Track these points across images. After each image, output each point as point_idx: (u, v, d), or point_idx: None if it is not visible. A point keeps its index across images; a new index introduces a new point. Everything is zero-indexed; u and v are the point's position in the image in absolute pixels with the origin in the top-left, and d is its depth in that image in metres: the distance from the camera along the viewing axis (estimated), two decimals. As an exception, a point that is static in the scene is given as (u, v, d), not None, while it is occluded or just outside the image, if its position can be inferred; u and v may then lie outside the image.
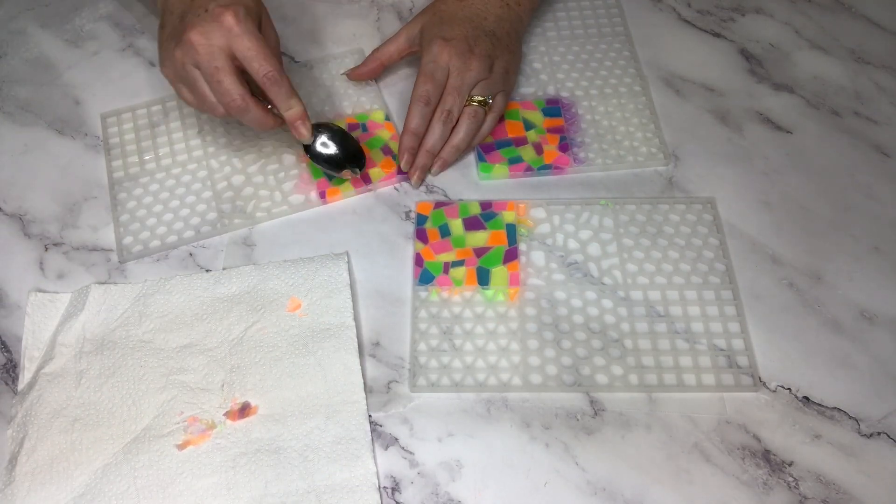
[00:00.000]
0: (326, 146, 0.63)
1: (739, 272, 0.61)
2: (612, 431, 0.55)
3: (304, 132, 0.61)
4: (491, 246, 0.62)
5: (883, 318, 0.59)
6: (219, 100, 0.58)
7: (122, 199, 0.66)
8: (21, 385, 0.57)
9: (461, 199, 0.65)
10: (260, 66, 0.57)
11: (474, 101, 0.64)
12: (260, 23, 0.59)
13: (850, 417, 0.55)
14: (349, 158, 0.64)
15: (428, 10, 0.69)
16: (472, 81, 0.64)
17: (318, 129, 0.63)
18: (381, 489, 0.53)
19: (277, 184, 0.66)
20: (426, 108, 0.64)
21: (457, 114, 0.64)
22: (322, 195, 0.65)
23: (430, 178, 0.67)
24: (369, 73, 0.71)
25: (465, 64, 0.64)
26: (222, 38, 0.56)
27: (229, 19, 0.56)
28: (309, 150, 0.63)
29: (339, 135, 0.64)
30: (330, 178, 0.66)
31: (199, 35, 0.56)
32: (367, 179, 0.66)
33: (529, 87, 0.72)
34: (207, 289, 0.60)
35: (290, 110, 0.59)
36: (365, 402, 0.55)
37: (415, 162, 0.65)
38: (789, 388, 0.56)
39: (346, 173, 0.65)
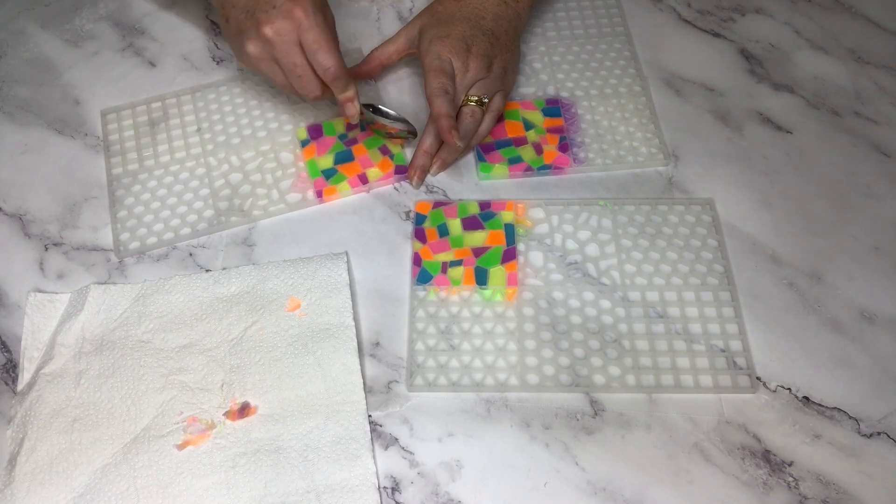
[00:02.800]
0: (387, 112, 0.68)
1: (739, 272, 0.61)
2: (612, 431, 0.55)
3: (353, 112, 0.64)
4: (489, 246, 0.62)
5: (883, 318, 0.59)
6: (299, 90, 0.62)
7: (121, 196, 0.66)
8: (20, 385, 0.57)
9: (460, 199, 0.65)
10: (323, 60, 0.60)
11: (471, 101, 0.64)
12: (324, 12, 0.61)
13: (850, 417, 0.55)
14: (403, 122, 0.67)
15: (426, 11, 0.69)
16: (470, 81, 0.64)
17: (366, 106, 0.67)
18: (381, 489, 0.53)
19: (275, 182, 0.66)
20: (447, 97, 0.63)
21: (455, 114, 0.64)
22: (319, 194, 0.65)
23: (429, 178, 0.67)
24: (368, 72, 0.71)
25: (463, 64, 0.64)
26: (293, 32, 0.59)
27: (299, 13, 0.59)
28: (373, 108, 0.67)
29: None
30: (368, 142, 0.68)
31: (272, 31, 0.59)
32: (364, 179, 0.66)
33: (529, 87, 0.71)
34: (207, 289, 0.60)
35: (344, 93, 0.63)
36: (364, 401, 0.55)
37: (412, 162, 0.65)
38: (789, 388, 0.56)
39: (411, 126, 0.67)
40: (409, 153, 0.68)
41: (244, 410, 0.55)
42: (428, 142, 0.65)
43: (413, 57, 0.71)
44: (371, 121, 0.66)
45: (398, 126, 0.67)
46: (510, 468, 0.53)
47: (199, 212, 0.65)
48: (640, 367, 0.57)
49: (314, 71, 0.61)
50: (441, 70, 0.63)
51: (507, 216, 0.64)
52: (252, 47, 0.60)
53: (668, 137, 0.68)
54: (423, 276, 0.61)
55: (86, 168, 0.68)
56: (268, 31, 0.59)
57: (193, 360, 0.57)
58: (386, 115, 0.67)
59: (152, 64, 0.75)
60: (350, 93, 0.63)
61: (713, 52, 0.75)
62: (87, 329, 0.59)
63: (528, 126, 0.69)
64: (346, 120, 0.67)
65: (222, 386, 0.56)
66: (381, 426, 0.55)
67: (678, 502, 0.52)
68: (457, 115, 0.64)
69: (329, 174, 0.66)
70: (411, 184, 0.66)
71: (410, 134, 0.67)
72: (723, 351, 0.57)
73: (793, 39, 0.75)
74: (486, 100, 0.65)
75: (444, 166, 0.67)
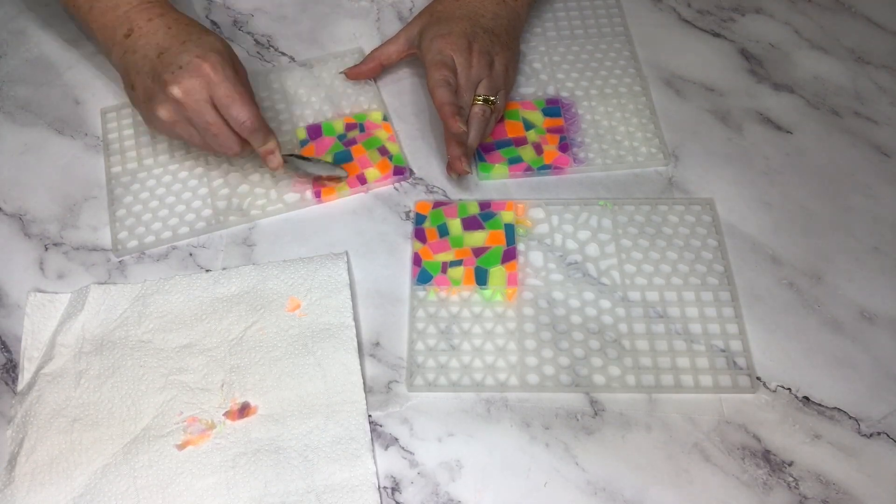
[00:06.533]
0: (309, 158, 0.66)
1: (739, 272, 0.61)
2: (612, 431, 0.55)
3: (276, 163, 0.63)
4: (489, 246, 0.62)
5: (883, 318, 0.59)
6: (217, 149, 0.61)
7: (119, 195, 0.66)
8: (20, 385, 0.57)
9: (460, 199, 0.65)
10: (238, 114, 0.59)
11: (479, 100, 0.64)
12: (234, 65, 0.60)
13: (850, 417, 0.55)
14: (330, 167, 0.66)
15: (426, 11, 0.69)
16: (476, 78, 0.64)
17: (289, 156, 0.65)
18: (381, 489, 0.53)
19: (273, 182, 0.66)
20: (449, 87, 0.62)
21: (467, 111, 0.63)
22: (317, 194, 0.65)
23: (430, 178, 0.67)
24: (368, 72, 0.71)
25: (466, 60, 0.64)
26: (203, 89, 0.58)
27: (206, 69, 0.58)
28: (296, 157, 0.65)
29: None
30: (317, 179, 0.66)
31: (182, 92, 0.58)
32: (362, 180, 0.66)
33: (529, 87, 0.71)
34: (207, 289, 0.60)
35: (264, 146, 0.61)
36: (364, 401, 0.55)
37: (450, 153, 0.63)
38: (789, 388, 0.56)
39: (340, 170, 0.65)
40: (406, 154, 0.68)
41: (244, 410, 0.55)
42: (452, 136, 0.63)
43: (413, 57, 0.71)
44: (297, 168, 0.65)
45: (324, 171, 0.65)
46: (510, 468, 0.53)
47: (197, 211, 0.65)
48: (640, 367, 0.57)
49: (230, 127, 0.59)
50: (443, 63, 0.63)
51: (507, 216, 0.64)
52: (163, 111, 0.59)
53: (668, 137, 0.68)
54: (423, 276, 0.61)
55: (86, 168, 0.68)
56: (176, 91, 0.57)
57: (193, 360, 0.57)
58: (309, 161, 0.65)
59: (152, 64, 0.75)
60: (271, 145, 0.61)
61: (713, 52, 0.75)
62: (87, 329, 0.59)
63: (528, 126, 0.69)
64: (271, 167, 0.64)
65: (222, 386, 0.56)
66: (381, 426, 0.55)
67: (678, 502, 0.52)
68: (468, 115, 0.63)
69: (329, 174, 0.67)
70: (468, 171, 0.63)
71: (339, 176, 0.65)
72: (723, 351, 0.57)
73: (793, 39, 0.75)
74: (492, 98, 0.64)
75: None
